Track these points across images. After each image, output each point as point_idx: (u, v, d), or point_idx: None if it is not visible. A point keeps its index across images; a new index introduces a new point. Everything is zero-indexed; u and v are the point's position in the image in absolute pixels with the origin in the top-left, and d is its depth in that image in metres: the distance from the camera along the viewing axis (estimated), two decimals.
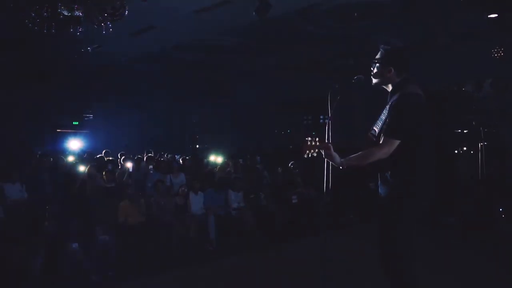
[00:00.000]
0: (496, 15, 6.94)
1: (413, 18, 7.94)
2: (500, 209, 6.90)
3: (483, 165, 8.02)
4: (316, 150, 2.85)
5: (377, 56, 2.88)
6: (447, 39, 8.75)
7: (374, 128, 2.82)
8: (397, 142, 2.64)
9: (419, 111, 2.70)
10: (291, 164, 8.91)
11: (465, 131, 9.40)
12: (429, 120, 2.76)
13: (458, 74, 9.48)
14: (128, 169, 7.43)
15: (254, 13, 6.68)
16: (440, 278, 4.33)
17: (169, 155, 10.35)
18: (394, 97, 2.75)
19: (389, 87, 2.87)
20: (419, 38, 8.51)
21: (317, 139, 2.85)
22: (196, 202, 6.73)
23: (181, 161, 9.09)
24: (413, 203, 2.68)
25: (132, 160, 8.14)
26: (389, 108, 2.73)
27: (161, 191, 6.53)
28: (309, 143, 2.85)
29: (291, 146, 13.08)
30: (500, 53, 8.48)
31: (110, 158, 8.20)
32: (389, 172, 2.72)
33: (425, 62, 8.26)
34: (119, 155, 8.83)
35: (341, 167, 2.82)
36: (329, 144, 2.83)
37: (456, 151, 9.21)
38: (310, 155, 2.87)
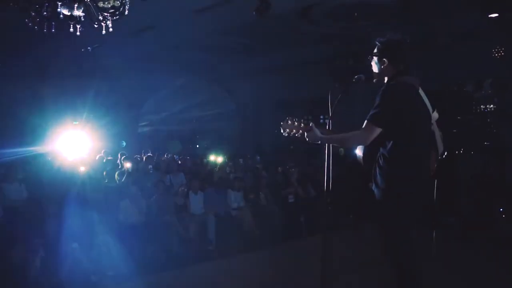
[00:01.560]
0: (496, 14, 6.93)
1: (413, 18, 7.93)
2: (500, 209, 6.89)
3: (483, 165, 8.01)
4: (300, 131, 2.87)
5: (374, 51, 2.87)
6: (447, 39, 8.74)
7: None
8: (377, 129, 2.60)
9: (405, 101, 2.63)
10: (289, 165, 8.90)
11: (465, 131, 9.38)
12: (424, 117, 2.73)
13: (458, 74, 9.46)
14: (128, 169, 7.44)
15: (254, 13, 6.67)
16: (440, 278, 4.33)
17: (168, 155, 10.35)
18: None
19: (385, 80, 2.85)
20: (419, 38, 8.49)
21: (302, 120, 2.88)
22: (196, 202, 6.73)
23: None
24: (408, 199, 2.65)
25: (132, 160, 8.15)
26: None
27: (161, 191, 6.54)
28: (289, 122, 2.88)
29: (292, 147, 13.06)
30: (501, 53, 8.47)
31: (110, 158, 8.20)
32: (382, 168, 2.69)
33: (425, 62, 8.24)
34: (119, 155, 8.83)
35: (319, 142, 2.83)
36: (310, 124, 2.84)
37: (456, 151, 9.20)
38: (291, 135, 2.89)
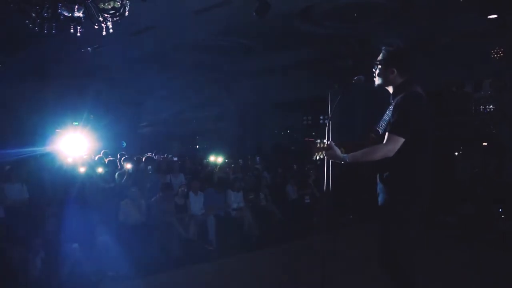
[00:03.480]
0: (496, 15, 6.95)
1: (412, 18, 7.94)
2: (500, 209, 6.91)
3: (483, 165, 8.03)
4: (324, 152, 2.81)
5: (379, 58, 2.87)
6: (446, 39, 8.75)
7: (377, 129, 2.82)
8: (402, 140, 2.61)
9: (423, 110, 2.69)
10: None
11: (465, 131, 9.39)
12: (431, 122, 2.76)
13: (458, 74, 9.48)
14: (128, 169, 7.42)
15: (254, 13, 6.68)
16: (439, 278, 4.34)
17: (167, 156, 10.35)
18: (398, 97, 2.73)
19: (391, 88, 2.86)
20: (418, 38, 8.51)
21: (324, 140, 2.81)
22: (196, 202, 6.74)
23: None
24: (414, 204, 2.68)
25: (132, 160, 8.13)
26: (394, 107, 2.71)
27: (165, 193, 6.51)
28: (318, 145, 2.79)
29: (293, 147, 13.09)
30: (500, 54, 8.48)
31: (110, 159, 8.21)
32: (391, 173, 2.71)
33: (425, 62, 8.26)
34: (118, 155, 8.84)
35: (343, 162, 2.76)
36: (329, 143, 2.81)
37: (456, 151, 9.22)
38: (318, 158, 2.81)
